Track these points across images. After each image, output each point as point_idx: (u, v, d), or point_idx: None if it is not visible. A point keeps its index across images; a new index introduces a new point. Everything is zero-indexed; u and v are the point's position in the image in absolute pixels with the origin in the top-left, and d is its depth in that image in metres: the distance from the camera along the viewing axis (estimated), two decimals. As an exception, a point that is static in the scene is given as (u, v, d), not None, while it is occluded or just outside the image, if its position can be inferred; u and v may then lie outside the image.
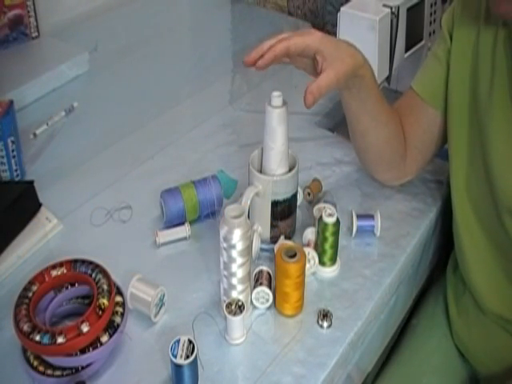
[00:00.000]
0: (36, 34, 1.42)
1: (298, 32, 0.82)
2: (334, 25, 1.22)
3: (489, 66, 0.87)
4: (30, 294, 0.76)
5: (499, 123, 0.86)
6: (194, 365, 0.73)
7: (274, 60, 0.80)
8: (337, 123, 0.96)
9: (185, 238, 0.96)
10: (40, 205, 0.99)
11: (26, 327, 0.72)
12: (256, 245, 0.89)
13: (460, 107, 0.92)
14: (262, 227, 0.92)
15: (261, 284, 0.85)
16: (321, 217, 0.88)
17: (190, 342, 0.74)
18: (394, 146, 0.98)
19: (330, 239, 0.88)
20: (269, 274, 0.87)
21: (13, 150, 1.03)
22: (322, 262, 0.90)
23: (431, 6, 1.22)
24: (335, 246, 0.90)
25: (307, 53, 0.81)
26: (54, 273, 0.79)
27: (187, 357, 0.72)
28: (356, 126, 0.96)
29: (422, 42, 1.23)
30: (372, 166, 1.04)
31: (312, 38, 0.80)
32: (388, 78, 1.18)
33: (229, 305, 0.79)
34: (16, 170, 1.05)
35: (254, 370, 0.78)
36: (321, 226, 0.88)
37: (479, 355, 1.00)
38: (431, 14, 1.23)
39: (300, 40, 0.80)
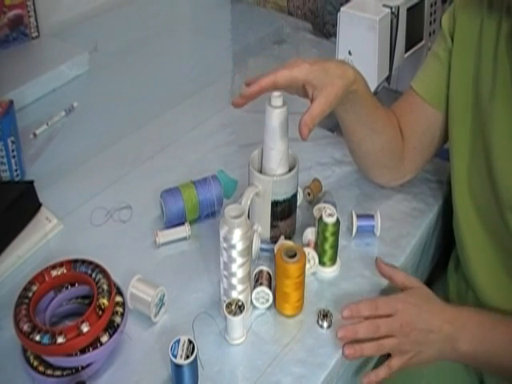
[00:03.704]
0: (36, 34, 1.42)
1: (285, 65, 0.82)
2: (334, 25, 1.22)
3: (491, 65, 0.87)
4: (30, 294, 0.76)
5: (501, 121, 0.86)
6: (193, 365, 0.73)
7: (260, 93, 0.81)
8: (337, 123, 0.95)
9: (185, 238, 0.96)
10: (40, 205, 0.99)
11: (26, 327, 0.72)
12: (256, 245, 0.89)
13: (462, 106, 0.92)
14: (262, 227, 0.92)
15: (261, 284, 0.85)
16: (321, 217, 0.88)
17: (190, 342, 0.73)
18: (390, 151, 0.98)
19: (330, 239, 0.88)
20: (269, 274, 0.87)
21: (13, 150, 1.03)
22: (322, 262, 0.90)
23: (431, 5, 1.22)
24: (335, 246, 0.90)
25: (295, 84, 0.81)
26: (54, 273, 0.79)
27: (187, 357, 0.72)
28: (351, 137, 0.96)
29: (422, 42, 1.23)
30: (369, 171, 1.04)
31: (299, 70, 0.81)
32: (388, 78, 1.18)
33: (229, 305, 0.79)
34: (16, 170, 1.05)
35: (254, 370, 0.78)
36: (321, 226, 0.88)
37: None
38: (431, 14, 1.23)
39: (287, 73, 0.80)
